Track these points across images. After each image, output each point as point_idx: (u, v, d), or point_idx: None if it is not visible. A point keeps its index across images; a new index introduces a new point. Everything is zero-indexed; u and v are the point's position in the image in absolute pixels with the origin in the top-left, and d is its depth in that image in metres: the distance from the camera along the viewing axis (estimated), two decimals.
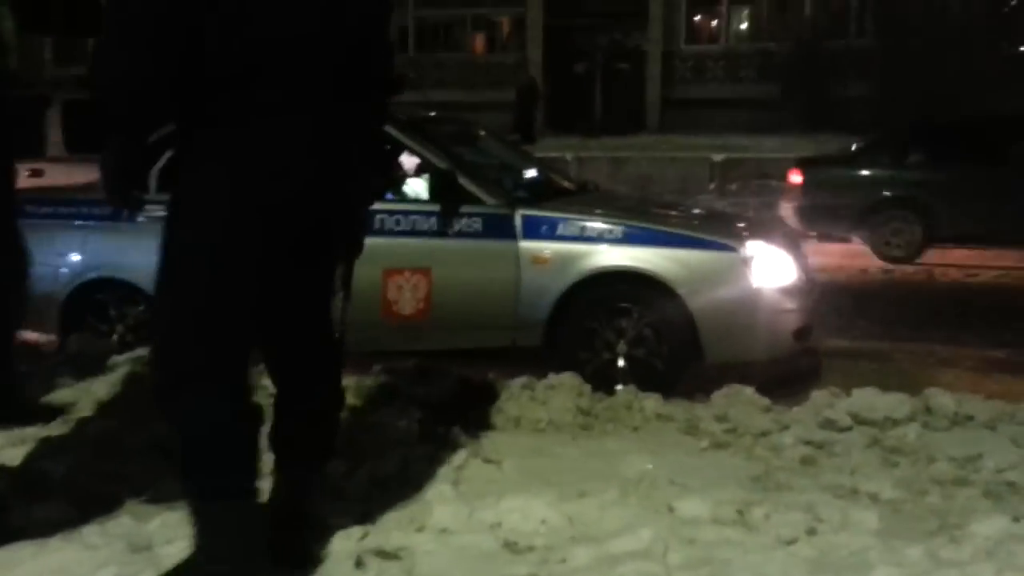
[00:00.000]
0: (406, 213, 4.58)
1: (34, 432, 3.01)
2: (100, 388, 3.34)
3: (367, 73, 2.22)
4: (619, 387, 4.28)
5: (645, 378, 4.39)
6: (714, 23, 20.34)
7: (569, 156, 15.11)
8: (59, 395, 3.40)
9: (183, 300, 2.00)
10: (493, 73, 20.32)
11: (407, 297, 4.52)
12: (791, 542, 2.46)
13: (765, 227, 5.17)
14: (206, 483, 2.05)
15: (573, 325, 4.51)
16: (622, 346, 4.51)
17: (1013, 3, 18.61)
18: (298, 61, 2.01)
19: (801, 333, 4.67)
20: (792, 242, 5.00)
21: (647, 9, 19.67)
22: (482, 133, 5.85)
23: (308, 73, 2.03)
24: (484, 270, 4.52)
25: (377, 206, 4.57)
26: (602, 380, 4.34)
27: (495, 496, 2.71)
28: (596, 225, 4.54)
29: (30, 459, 2.77)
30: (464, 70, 20.42)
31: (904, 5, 17.25)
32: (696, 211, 5.59)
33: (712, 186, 14.37)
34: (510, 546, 2.47)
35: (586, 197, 5.21)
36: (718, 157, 14.62)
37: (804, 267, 4.89)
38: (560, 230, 4.54)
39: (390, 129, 4.69)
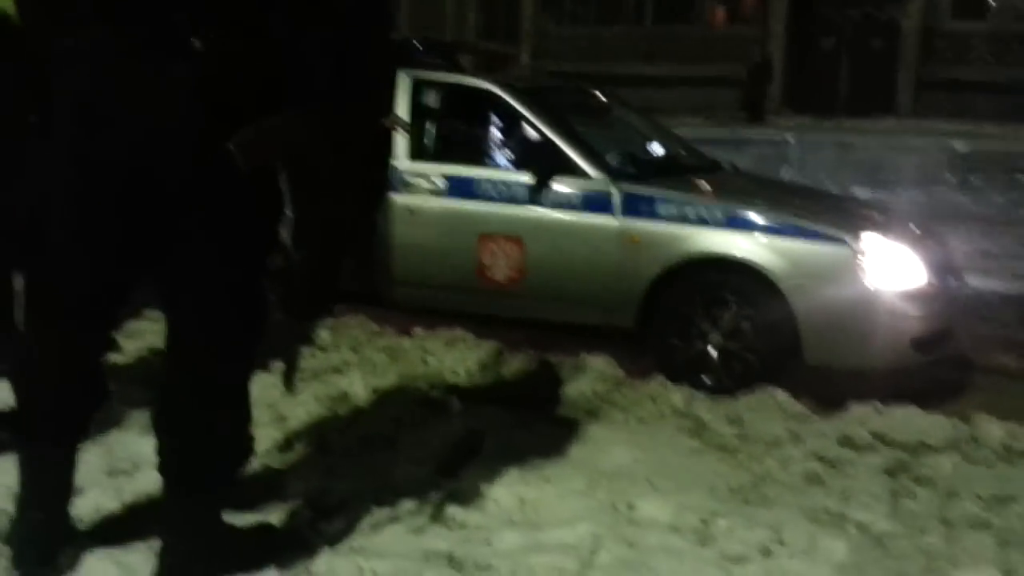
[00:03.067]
0: (504, 181, 4.57)
1: None
2: None
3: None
4: (708, 380, 4.12)
5: (737, 373, 4.15)
6: None
7: (791, 138, 14.29)
8: None
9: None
10: (731, 47, 19.57)
11: (500, 264, 4.52)
12: (738, 560, 2.25)
13: (891, 221, 4.64)
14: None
15: (667, 310, 4.31)
16: (716, 337, 4.26)
17: None
18: None
19: (924, 342, 4.17)
20: (923, 239, 4.46)
21: None
22: (614, 105, 5.68)
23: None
24: (577, 244, 4.42)
25: (475, 172, 4.75)
26: (693, 370, 4.17)
27: (462, 468, 2.70)
28: (697, 207, 4.29)
29: None
30: (701, 43, 19.82)
31: None
32: (824, 200, 5.12)
33: (952, 178, 13.06)
34: (445, 520, 2.45)
35: (707, 177, 4.92)
36: (962, 147, 13.22)
37: (941, 269, 4.36)
38: (659, 209, 4.33)
39: (502, 93, 4.76)
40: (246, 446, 2.21)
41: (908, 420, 2.82)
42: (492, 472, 2.66)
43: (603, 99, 5.67)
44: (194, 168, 1.89)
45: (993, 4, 18.07)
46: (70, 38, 1.86)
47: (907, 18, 18.37)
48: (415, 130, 4.73)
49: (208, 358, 2.03)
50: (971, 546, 2.30)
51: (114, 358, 3.50)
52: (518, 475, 2.64)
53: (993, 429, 2.81)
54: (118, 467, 2.63)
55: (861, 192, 11.99)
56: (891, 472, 2.64)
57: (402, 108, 4.73)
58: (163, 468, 2.11)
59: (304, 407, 3.11)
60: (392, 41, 3.69)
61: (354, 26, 2.06)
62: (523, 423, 2.99)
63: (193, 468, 2.08)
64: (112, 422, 2.88)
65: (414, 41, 5.27)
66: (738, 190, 4.76)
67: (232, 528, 2.24)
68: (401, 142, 4.67)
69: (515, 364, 3.42)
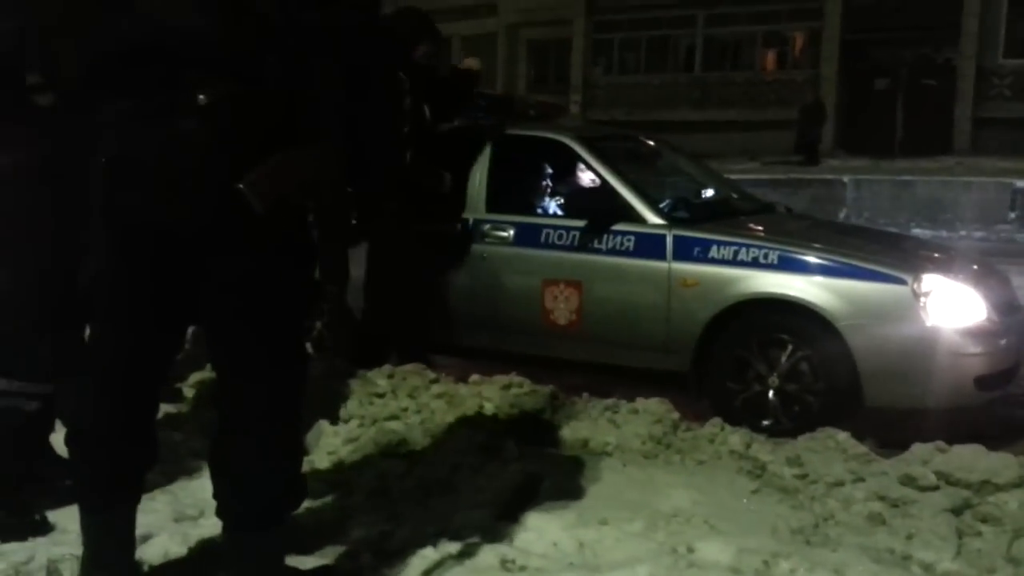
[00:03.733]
0: (566, 228, 4.64)
1: None
2: None
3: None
4: (766, 422, 4.09)
5: (797, 415, 4.11)
6: None
7: (847, 179, 14.16)
8: None
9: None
10: (781, 91, 19.58)
11: (561, 308, 4.60)
12: None
13: (951, 259, 4.57)
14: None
15: (723, 353, 4.30)
16: (774, 379, 4.22)
17: None
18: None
19: (987, 381, 4.08)
20: (984, 277, 4.39)
21: (959, 20, 17.91)
22: (664, 150, 5.73)
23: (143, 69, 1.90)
24: (633, 289, 4.47)
25: (538, 220, 4.85)
26: (750, 412, 4.14)
27: (521, 512, 2.70)
28: (751, 249, 4.29)
29: None
30: (751, 88, 19.85)
31: None
32: (881, 240, 5.07)
33: (1013, 215, 12.79)
34: (506, 563, 2.45)
35: (759, 219, 4.92)
36: (1021, 183, 12.96)
37: (1003, 306, 4.28)
38: (712, 252, 4.35)
39: (571, 143, 4.86)
40: (299, 487, 2.26)
41: (972, 459, 2.76)
42: (550, 515, 2.67)
43: (652, 145, 5.74)
44: (219, 220, 1.95)
45: None
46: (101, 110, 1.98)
47: (962, 57, 18.19)
48: (490, 182, 4.88)
49: (255, 402, 2.08)
50: None
51: (178, 408, 3.60)
52: (576, 517, 2.64)
53: None
54: (185, 513, 2.69)
55: (920, 232, 11.83)
56: (956, 511, 2.58)
57: (482, 160, 4.92)
58: (221, 511, 2.17)
59: (362, 452, 3.16)
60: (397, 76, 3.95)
61: (358, 62, 2.12)
62: (580, 466, 2.99)
63: (247, 509, 2.13)
64: (178, 470, 2.96)
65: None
66: (792, 231, 4.75)
67: (295, 571, 2.28)
68: (478, 194, 4.85)
69: (571, 408, 3.43)
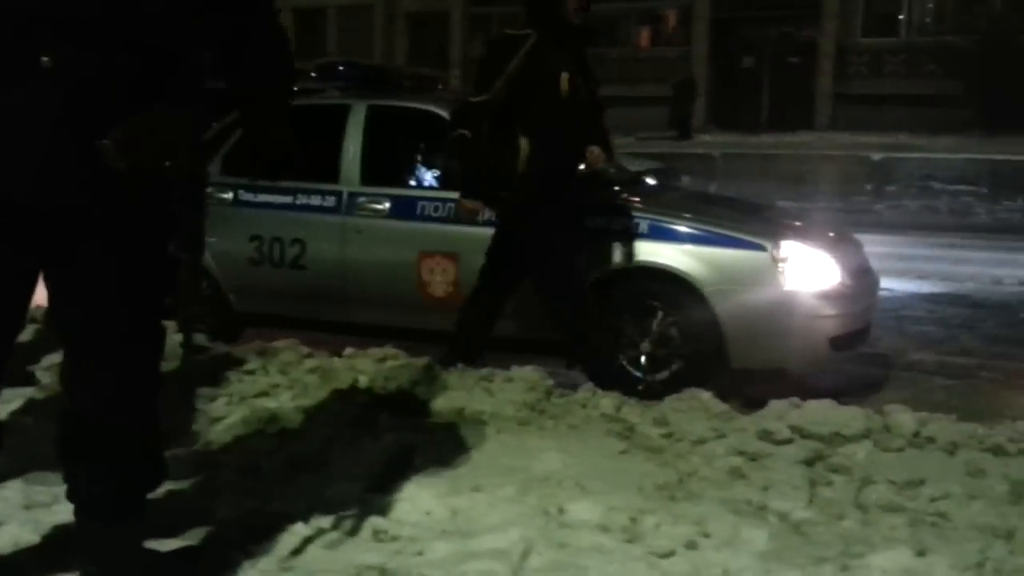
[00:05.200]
0: (441, 200, 4.61)
1: None
2: None
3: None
4: (640, 387, 4.19)
5: (667, 378, 4.24)
6: (894, 15, 19.02)
7: (717, 153, 14.64)
8: None
9: None
10: (656, 67, 19.97)
11: (438, 280, 4.58)
12: (665, 555, 2.29)
13: (809, 227, 4.79)
14: None
15: (596, 320, 4.38)
16: (646, 345, 4.33)
17: None
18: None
19: (841, 341, 4.31)
20: (839, 243, 4.61)
21: (821, 1, 18.68)
22: None
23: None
24: None
25: (413, 192, 4.81)
26: (625, 378, 4.23)
27: (394, 483, 2.70)
28: (621, 219, 4.38)
29: None
30: (627, 65, 20.17)
31: None
32: (745, 209, 5.27)
33: (869, 187, 13.49)
34: (378, 534, 2.44)
35: (631, 190, 5.02)
36: (877, 156, 13.68)
37: (857, 271, 4.51)
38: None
39: (441, 112, 4.80)
40: (158, 470, 2.18)
41: (824, 413, 2.91)
42: (424, 485, 2.67)
43: None
44: (77, 192, 1.83)
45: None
46: None
47: (822, 36, 18.97)
48: (364, 155, 4.79)
49: (105, 382, 1.99)
50: (885, 529, 2.38)
51: (32, 393, 3.43)
52: (449, 486, 2.65)
53: (905, 419, 2.91)
54: (36, 500, 2.56)
55: (784, 203, 12.34)
56: (809, 462, 2.72)
57: (355, 132, 4.81)
58: (72, 496, 2.07)
59: (231, 431, 3.08)
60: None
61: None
62: (455, 435, 3.00)
63: (100, 495, 2.04)
64: (29, 456, 2.81)
65: (339, 66, 5.34)
66: (662, 202, 4.87)
67: (155, 553, 2.20)
68: (352, 166, 4.76)
69: (446, 379, 3.43)
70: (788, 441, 2.81)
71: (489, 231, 4.21)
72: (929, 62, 17.95)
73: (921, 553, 2.19)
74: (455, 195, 4.20)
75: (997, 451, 2.85)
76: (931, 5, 18.89)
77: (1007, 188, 12.58)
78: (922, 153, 14.06)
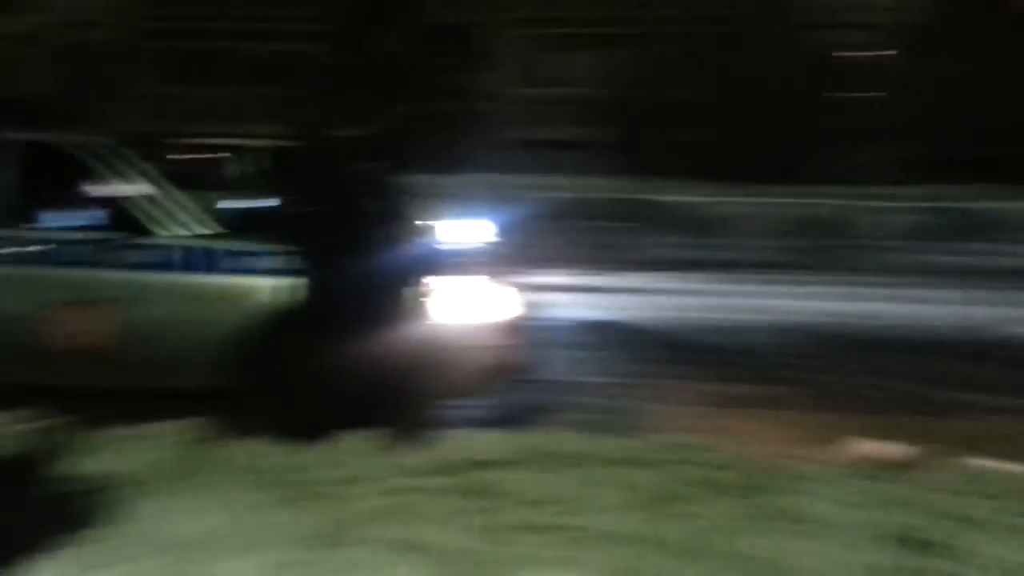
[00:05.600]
0: (83, 242, 4.22)
1: None
2: None
3: None
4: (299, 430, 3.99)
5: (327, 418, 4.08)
6: (551, 67, 20.63)
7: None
8: None
9: None
10: None
11: (86, 330, 4.14)
12: None
13: (471, 264, 4.97)
14: None
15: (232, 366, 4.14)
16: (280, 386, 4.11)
17: (834, 56, 19.79)
18: None
19: (504, 370, 4.44)
20: (506, 278, 4.79)
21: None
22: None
23: None
24: (166, 305, 4.25)
25: (50, 235, 4.29)
26: (283, 422, 4.00)
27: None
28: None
29: None
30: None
31: (735, 58, 18.08)
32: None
33: (537, 226, 14.29)
34: None
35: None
36: (543, 197, 14.58)
37: (523, 304, 4.69)
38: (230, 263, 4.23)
39: (75, 151, 4.35)
40: None
41: (481, 442, 2.96)
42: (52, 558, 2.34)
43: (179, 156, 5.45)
44: None
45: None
46: None
47: (482, 85, 20.08)
48: None
49: None
50: (536, 548, 2.43)
51: None
52: (83, 562, 2.34)
53: (564, 440, 3.03)
54: None
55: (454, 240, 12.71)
56: (464, 492, 2.74)
57: None
58: None
59: None
60: None
61: None
62: (87, 504, 2.67)
63: None
64: None
65: None
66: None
67: None
68: None
69: (78, 440, 3.07)
70: (443, 472, 2.82)
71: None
72: (577, 111, 19.60)
73: (575, 567, 2.27)
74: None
75: (648, 464, 3.01)
76: (584, 58, 20.63)
77: (661, 225, 13.98)
78: (580, 193, 15.21)
